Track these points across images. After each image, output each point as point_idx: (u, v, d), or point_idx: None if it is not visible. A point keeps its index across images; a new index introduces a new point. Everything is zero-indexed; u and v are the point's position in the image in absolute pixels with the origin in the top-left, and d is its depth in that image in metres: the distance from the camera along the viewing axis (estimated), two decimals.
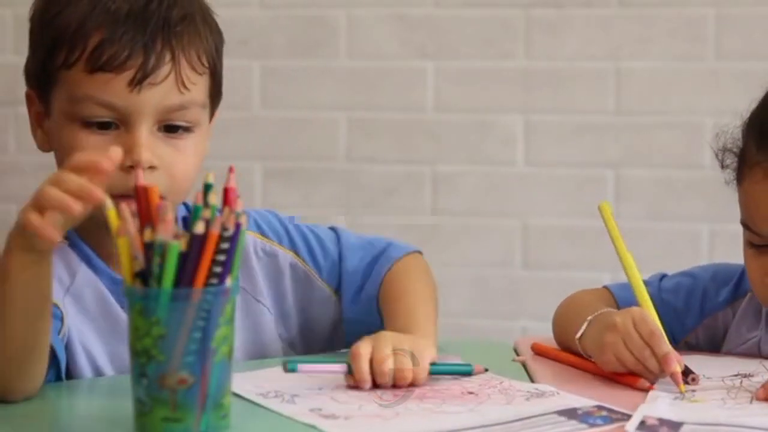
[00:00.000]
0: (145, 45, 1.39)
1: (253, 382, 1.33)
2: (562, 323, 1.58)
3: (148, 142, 1.41)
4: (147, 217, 1.17)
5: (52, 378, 1.37)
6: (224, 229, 1.16)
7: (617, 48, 2.63)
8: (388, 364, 1.31)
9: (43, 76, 1.45)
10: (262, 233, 1.57)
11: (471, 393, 1.31)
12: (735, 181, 1.54)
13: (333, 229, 1.62)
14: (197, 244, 1.15)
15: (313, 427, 1.19)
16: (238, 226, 1.17)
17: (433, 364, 1.36)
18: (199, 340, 1.15)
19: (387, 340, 1.34)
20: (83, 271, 1.46)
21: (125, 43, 1.39)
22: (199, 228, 1.15)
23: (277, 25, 2.71)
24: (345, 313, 1.58)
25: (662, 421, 1.22)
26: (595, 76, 2.64)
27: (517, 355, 1.57)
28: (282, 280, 1.57)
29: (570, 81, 2.65)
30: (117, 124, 1.41)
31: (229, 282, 1.17)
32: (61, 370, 1.39)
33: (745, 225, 1.51)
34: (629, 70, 2.63)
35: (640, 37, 2.62)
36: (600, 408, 1.24)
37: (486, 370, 1.39)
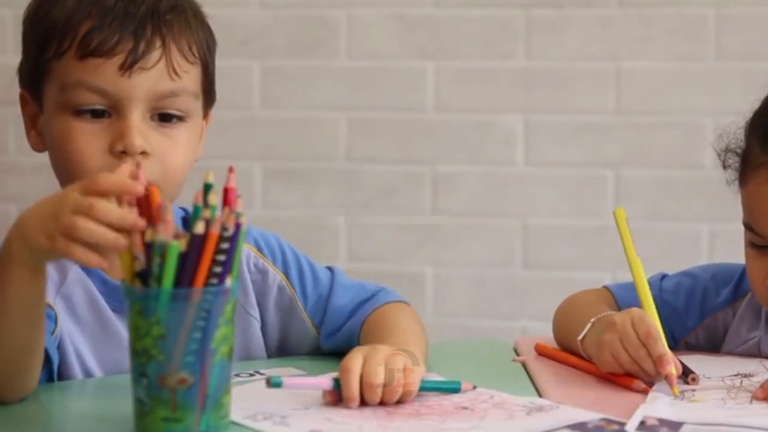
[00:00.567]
0: (135, 31, 1.40)
1: (234, 404, 1.25)
2: (562, 324, 1.58)
3: (141, 129, 1.40)
4: (148, 216, 1.17)
5: (44, 379, 1.37)
6: (224, 229, 1.16)
7: (617, 48, 2.63)
8: (379, 378, 1.26)
9: (35, 72, 1.46)
10: (259, 249, 1.57)
11: (465, 408, 1.28)
12: (737, 182, 1.54)
13: (330, 268, 1.60)
14: (197, 244, 1.15)
15: None
16: (238, 226, 1.17)
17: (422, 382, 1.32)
18: (199, 340, 1.15)
19: (379, 353, 1.29)
20: (74, 272, 1.45)
21: (115, 29, 1.39)
22: (199, 228, 1.15)
23: (277, 25, 2.71)
24: (322, 344, 1.56)
25: (662, 422, 1.22)
26: (595, 76, 2.64)
27: (517, 355, 1.57)
28: (267, 298, 1.56)
29: (570, 81, 2.65)
30: (109, 112, 1.41)
31: (229, 282, 1.17)
32: (53, 371, 1.39)
33: (748, 226, 1.51)
34: (629, 70, 2.63)
35: (640, 37, 2.62)
36: (609, 422, 1.23)
37: (474, 387, 1.35)
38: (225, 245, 1.16)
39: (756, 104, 1.56)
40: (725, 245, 2.58)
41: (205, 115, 1.51)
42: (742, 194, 1.53)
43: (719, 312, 1.59)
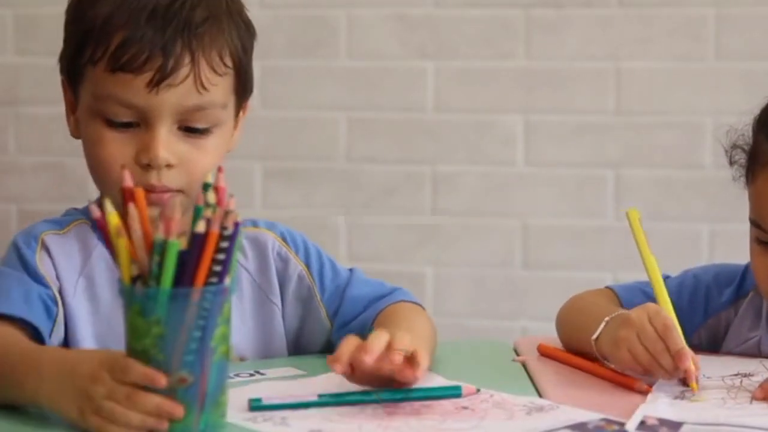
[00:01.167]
0: (164, 47, 1.42)
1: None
2: (570, 324, 1.57)
3: (167, 140, 1.44)
4: (143, 218, 1.17)
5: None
6: (223, 228, 1.16)
7: (617, 48, 2.63)
8: (405, 341, 1.28)
9: (72, 69, 1.49)
10: (283, 239, 1.60)
11: (465, 408, 1.28)
12: (743, 178, 1.54)
13: (351, 269, 1.64)
14: (198, 243, 1.15)
15: None
16: (236, 225, 1.17)
17: (419, 389, 1.33)
18: (198, 339, 1.16)
19: (405, 337, 1.30)
20: (99, 250, 1.49)
21: (145, 45, 1.41)
22: (200, 227, 1.15)
23: (277, 25, 2.71)
24: (334, 336, 1.56)
25: (662, 421, 1.22)
26: (595, 76, 2.64)
27: (517, 355, 1.57)
28: (287, 287, 1.58)
29: (570, 81, 2.65)
30: (138, 122, 1.44)
31: (227, 281, 1.18)
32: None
33: (755, 222, 1.51)
34: (629, 70, 2.63)
35: (640, 37, 2.62)
36: (609, 422, 1.23)
37: (478, 390, 1.34)
38: (224, 244, 1.16)
39: (763, 101, 1.55)
40: (725, 245, 2.58)
41: (242, 107, 1.54)
42: (749, 191, 1.53)
43: (722, 312, 1.59)
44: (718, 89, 2.59)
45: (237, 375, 1.41)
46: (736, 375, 1.41)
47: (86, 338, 1.46)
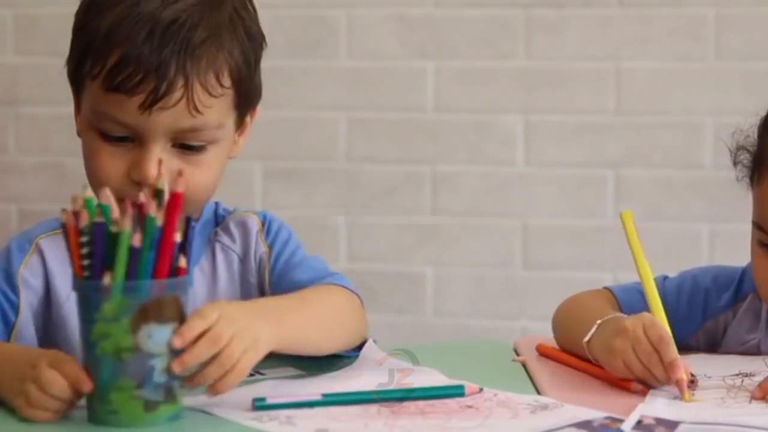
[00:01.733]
0: (158, 69, 1.40)
1: (233, 404, 1.27)
2: (564, 325, 1.57)
3: (160, 156, 1.43)
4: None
5: None
6: (96, 224, 1.20)
7: (617, 48, 2.63)
8: (203, 353, 1.23)
9: (75, 77, 1.49)
10: (263, 221, 1.60)
11: (470, 407, 1.28)
12: (747, 179, 1.53)
13: (316, 257, 1.60)
14: (71, 236, 1.22)
15: None
16: (100, 225, 1.20)
17: (423, 388, 1.32)
18: (83, 331, 1.22)
19: (231, 323, 1.25)
20: None
21: (140, 66, 1.40)
22: (66, 218, 1.22)
23: (277, 25, 2.71)
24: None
25: (659, 421, 1.22)
26: (595, 76, 2.64)
27: (517, 355, 1.57)
28: (259, 267, 1.58)
29: (570, 81, 2.65)
30: (132, 138, 1.44)
31: (107, 280, 1.19)
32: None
33: (758, 225, 1.50)
34: (629, 70, 2.63)
35: (640, 37, 2.62)
36: (614, 420, 1.22)
37: (481, 390, 1.34)
38: (84, 239, 1.20)
39: (759, 109, 1.55)
40: (725, 245, 2.58)
41: (248, 115, 1.53)
42: (754, 193, 1.52)
43: (720, 315, 1.59)
44: (718, 89, 2.59)
45: None
46: (737, 375, 1.41)
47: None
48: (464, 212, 2.70)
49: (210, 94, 1.44)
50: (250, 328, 1.26)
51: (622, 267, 2.57)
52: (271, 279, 1.56)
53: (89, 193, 1.23)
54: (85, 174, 1.50)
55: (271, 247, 1.58)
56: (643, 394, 1.34)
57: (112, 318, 1.19)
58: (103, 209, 1.22)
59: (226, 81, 1.46)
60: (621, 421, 1.21)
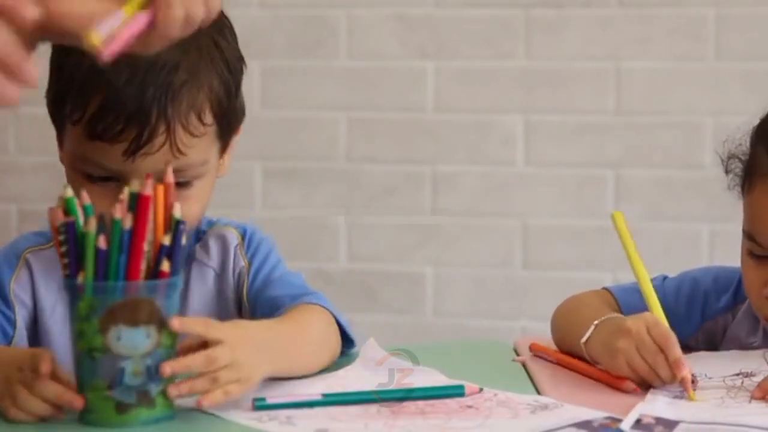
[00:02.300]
0: (139, 117, 1.39)
1: (233, 403, 1.27)
2: (563, 325, 1.57)
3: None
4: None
5: None
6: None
7: (617, 48, 2.63)
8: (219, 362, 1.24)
9: (55, 116, 1.47)
10: (242, 235, 1.58)
11: (470, 407, 1.28)
12: (739, 188, 1.53)
13: (296, 273, 1.60)
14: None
15: None
16: (70, 225, 1.21)
17: (423, 388, 1.32)
18: (69, 329, 1.23)
19: (229, 349, 1.25)
20: None
21: (120, 114, 1.38)
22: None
23: (277, 25, 2.71)
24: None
25: (658, 420, 1.22)
26: (595, 76, 2.64)
27: (517, 355, 1.57)
28: (238, 282, 1.57)
29: (570, 81, 2.65)
30: (117, 178, 1.42)
31: (80, 279, 1.20)
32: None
33: (749, 234, 1.49)
34: (629, 70, 2.63)
35: (640, 37, 2.62)
36: (614, 420, 1.22)
37: (481, 390, 1.34)
38: (61, 237, 1.22)
39: (762, 109, 1.54)
40: (725, 245, 2.58)
41: (227, 144, 1.51)
42: (745, 201, 1.51)
43: (719, 316, 1.59)
44: (718, 89, 2.59)
45: None
46: (737, 375, 1.41)
47: (64, 359, 1.45)
48: (464, 212, 2.70)
49: (192, 134, 1.42)
50: (246, 365, 1.26)
51: (623, 267, 2.55)
52: (249, 294, 1.56)
53: (69, 192, 1.23)
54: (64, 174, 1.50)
55: (251, 261, 1.57)
56: (636, 393, 1.34)
57: (84, 317, 1.20)
58: (85, 209, 1.22)
59: (208, 118, 1.44)
60: (621, 421, 1.21)
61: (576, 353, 1.47)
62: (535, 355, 1.54)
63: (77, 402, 1.20)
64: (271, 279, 1.56)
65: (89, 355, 1.20)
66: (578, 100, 2.65)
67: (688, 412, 1.25)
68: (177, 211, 1.23)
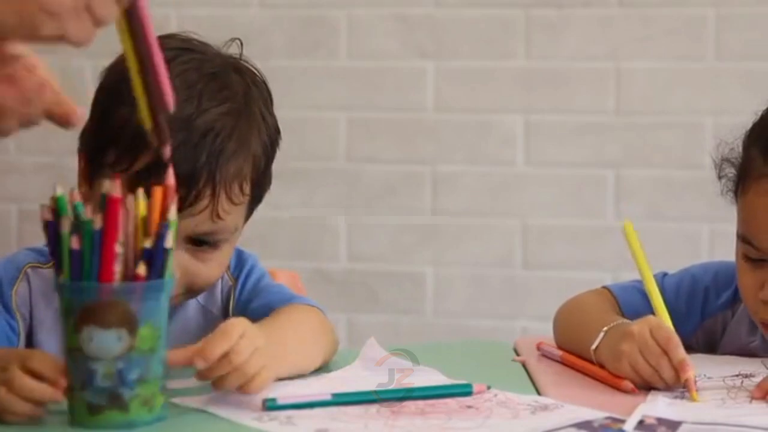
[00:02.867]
0: (189, 180, 1.37)
1: (230, 404, 1.28)
2: (567, 329, 1.56)
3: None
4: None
5: None
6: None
7: (617, 48, 2.63)
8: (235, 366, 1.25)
9: (94, 159, 1.44)
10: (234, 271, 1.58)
11: (470, 407, 1.28)
12: (732, 192, 1.53)
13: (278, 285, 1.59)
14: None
15: None
16: (51, 224, 1.20)
17: (429, 387, 1.32)
18: None
19: (253, 341, 1.27)
20: None
21: None
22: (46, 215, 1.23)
23: (277, 25, 2.71)
24: None
25: (661, 421, 1.22)
26: (595, 76, 2.64)
27: (517, 355, 1.57)
28: (224, 300, 1.58)
29: (570, 81, 2.65)
30: None
31: (61, 279, 1.20)
32: None
33: (743, 238, 1.48)
34: (629, 70, 2.63)
35: (640, 37, 2.62)
36: (614, 420, 1.22)
37: (489, 387, 1.34)
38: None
39: (760, 107, 1.54)
40: (725, 245, 2.56)
41: (259, 202, 1.52)
42: (739, 205, 1.51)
43: (719, 314, 1.58)
44: (718, 89, 2.59)
45: None
46: (736, 375, 1.41)
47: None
48: (464, 212, 2.70)
49: (233, 202, 1.43)
50: (267, 351, 1.28)
51: (623, 267, 2.57)
52: (236, 306, 1.55)
53: (60, 191, 1.22)
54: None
55: (236, 278, 1.57)
56: (635, 393, 1.34)
57: (64, 316, 1.20)
58: (75, 208, 1.22)
59: (247, 188, 1.45)
60: (621, 421, 1.21)
61: (580, 355, 1.47)
62: (543, 354, 1.54)
63: (56, 395, 1.20)
64: (258, 288, 1.56)
65: (70, 355, 1.20)
66: (578, 100, 2.65)
67: (690, 412, 1.25)
68: (173, 215, 1.22)
